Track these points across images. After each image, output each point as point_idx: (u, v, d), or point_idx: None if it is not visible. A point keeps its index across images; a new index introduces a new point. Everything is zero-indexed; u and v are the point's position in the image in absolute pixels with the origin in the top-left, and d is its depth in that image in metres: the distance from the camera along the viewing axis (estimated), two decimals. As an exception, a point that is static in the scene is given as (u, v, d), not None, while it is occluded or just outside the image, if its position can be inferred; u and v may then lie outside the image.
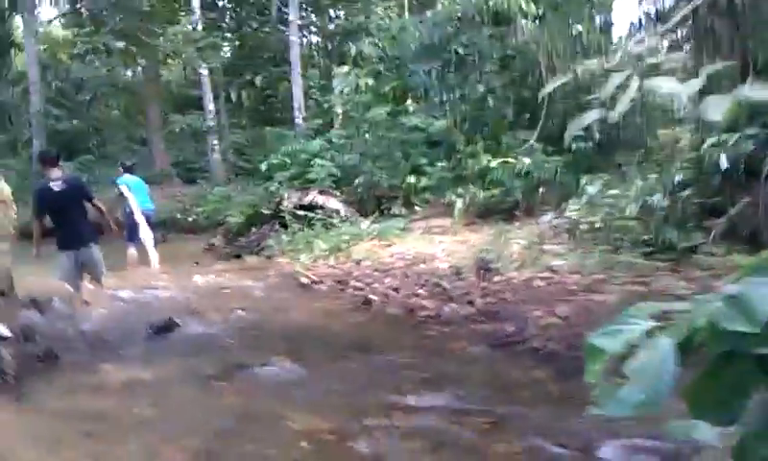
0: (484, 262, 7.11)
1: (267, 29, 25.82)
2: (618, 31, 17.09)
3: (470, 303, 6.69)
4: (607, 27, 16.10)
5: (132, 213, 10.63)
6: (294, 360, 5.56)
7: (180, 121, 22.73)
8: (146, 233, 10.55)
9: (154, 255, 10.77)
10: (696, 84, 1.51)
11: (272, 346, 6.02)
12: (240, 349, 6.12)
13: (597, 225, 8.05)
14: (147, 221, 10.80)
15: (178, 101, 28.48)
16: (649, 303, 1.25)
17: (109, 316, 7.63)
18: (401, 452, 3.79)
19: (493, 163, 11.33)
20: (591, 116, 2.23)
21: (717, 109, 1.43)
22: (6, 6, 23.34)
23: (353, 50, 16.47)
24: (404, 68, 15.28)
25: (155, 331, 6.71)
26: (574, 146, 11.02)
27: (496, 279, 7.06)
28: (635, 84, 1.98)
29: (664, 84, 1.64)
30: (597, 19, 15.30)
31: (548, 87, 4.94)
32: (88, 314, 7.69)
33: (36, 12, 22.48)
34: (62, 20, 27.18)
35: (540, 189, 10.73)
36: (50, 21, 25.90)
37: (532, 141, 10.29)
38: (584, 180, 9.38)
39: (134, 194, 10.88)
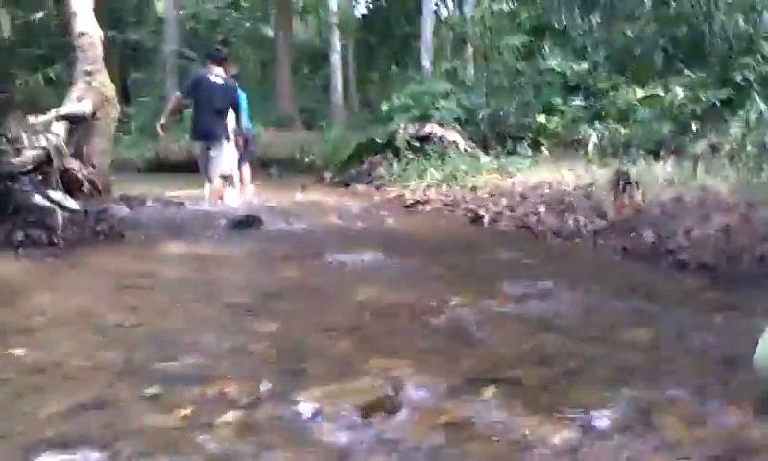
0: (623, 174, 5.83)
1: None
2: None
3: (602, 216, 5.48)
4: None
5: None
6: (380, 252, 4.63)
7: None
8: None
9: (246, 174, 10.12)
10: None
11: (358, 244, 5.10)
12: (322, 243, 5.27)
13: (769, 146, 6.49)
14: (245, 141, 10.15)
15: (310, 58, 28.39)
16: None
17: (195, 215, 7.07)
18: (491, 328, 2.74)
19: (640, 94, 9.79)
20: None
21: None
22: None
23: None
24: (542, 6, 13.91)
25: (234, 224, 6.03)
26: (739, 77, 9.29)
27: (637, 197, 5.77)
28: None
29: None
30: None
31: None
32: (175, 210, 7.20)
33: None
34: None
35: (693, 127, 9.11)
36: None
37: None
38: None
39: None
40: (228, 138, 7.92)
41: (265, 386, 2.00)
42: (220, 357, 2.34)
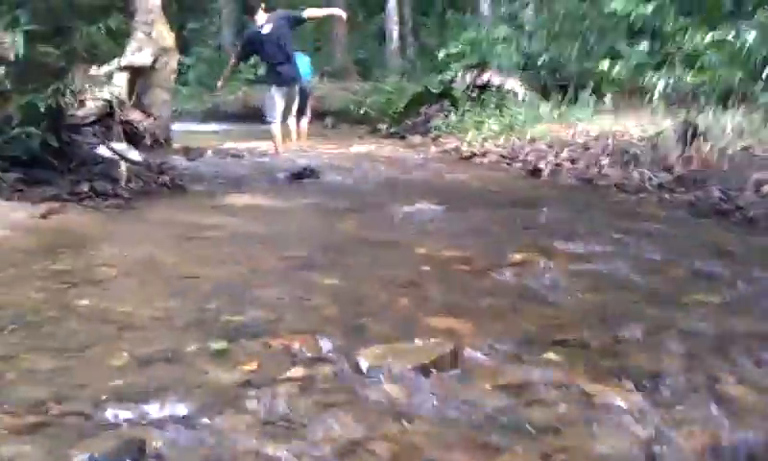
0: (689, 125, 5.62)
1: None
2: None
3: (668, 169, 5.31)
4: None
5: None
6: (438, 205, 4.60)
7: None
8: None
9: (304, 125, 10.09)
10: None
11: (415, 196, 5.07)
12: (379, 195, 5.28)
13: None
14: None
15: (362, 3, 27.98)
16: None
17: (253, 166, 7.17)
18: (553, 287, 2.70)
19: (708, 38, 9.33)
20: None
21: None
22: None
23: None
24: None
25: (292, 177, 6.08)
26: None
27: (705, 149, 5.57)
28: None
29: None
30: None
31: None
32: (234, 162, 7.31)
33: None
34: None
35: (765, 74, 8.64)
36: None
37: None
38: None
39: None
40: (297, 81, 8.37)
41: (327, 342, 2.02)
42: (283, 311, 2.37)
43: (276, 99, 8.04)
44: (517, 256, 3.09)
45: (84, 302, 2.43)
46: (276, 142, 8.09)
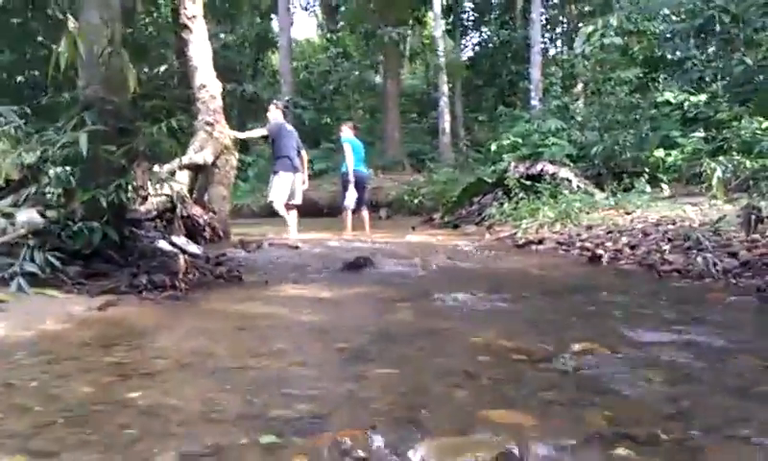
0: (753, 209, 5.42)
1: (508, 27, 25.02)
2: None
3: (733, 255, 5.10)
4: None
5: (346, 173, 10.36)
6: (493, 294, 4.52)
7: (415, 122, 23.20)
8: (351, 196, 10.30)
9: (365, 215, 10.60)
10: None
11: (470, 284, 4.99)
12: (433, 284, 5.21)
13: None
14: (358, 184, 10.46)
15: (418, 102, 28.84)
16: None
17: (310, 255, 7.22)
18: (617, 378, 2.55)
19: (765, 124, 9.17)
20: None
21: None
22: (263, 9, 25.15)
23: (599, 24, 14.84)
24: (655, 37, 13.44)
25: (346, 266, 6.09)
26: None
27: (771, 232, 5.36)
28: None
29: None
30: None
31: None
32: (289, 253, 7.36)
33: (290, 13, 23.83)
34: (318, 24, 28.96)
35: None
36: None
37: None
38: None
39: (353, 155, 10.59)
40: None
41: (379, 438, 1.93)
42: (335, 404, 2.28)
43: (283, 182, 9.67)
44: (579, 346, 2.95)
45: (135, 395, 2.39)
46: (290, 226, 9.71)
